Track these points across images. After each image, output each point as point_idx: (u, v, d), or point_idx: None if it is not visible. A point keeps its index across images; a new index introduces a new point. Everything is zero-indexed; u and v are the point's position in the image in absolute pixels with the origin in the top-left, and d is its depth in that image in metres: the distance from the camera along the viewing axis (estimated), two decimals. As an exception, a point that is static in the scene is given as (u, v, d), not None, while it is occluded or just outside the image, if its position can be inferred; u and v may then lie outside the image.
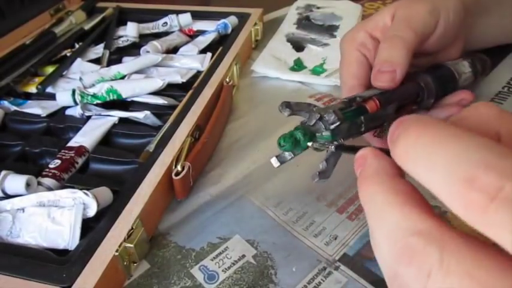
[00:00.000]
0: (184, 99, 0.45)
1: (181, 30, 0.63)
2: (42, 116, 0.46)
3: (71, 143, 0.41)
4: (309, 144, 0.31)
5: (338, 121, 0.30)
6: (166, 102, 0.46)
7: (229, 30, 0.61)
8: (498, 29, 0.47)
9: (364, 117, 0.33)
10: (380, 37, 0.39)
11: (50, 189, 0.36)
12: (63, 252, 0.31)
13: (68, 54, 0.57)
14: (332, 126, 0.30)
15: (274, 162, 0.32)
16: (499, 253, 0.14)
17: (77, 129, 0.43)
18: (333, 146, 0.30)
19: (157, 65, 0.52)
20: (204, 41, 0.59)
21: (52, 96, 0.48)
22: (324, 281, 0.31)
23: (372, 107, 0.34)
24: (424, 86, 0.38)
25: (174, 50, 0.58)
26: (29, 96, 0.51)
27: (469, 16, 0.41)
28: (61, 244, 0.31)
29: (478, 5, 0.43)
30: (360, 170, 0.21)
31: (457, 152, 0.15)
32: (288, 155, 0.32)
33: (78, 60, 0.55)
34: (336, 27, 0.64)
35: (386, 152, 0.21)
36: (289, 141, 0.30)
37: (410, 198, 0.18)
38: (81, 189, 0.33)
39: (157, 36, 0.61)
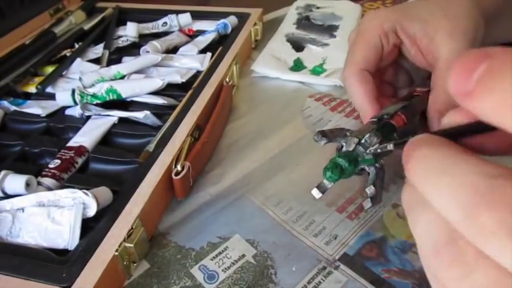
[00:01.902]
0: (184, 99, 0.45)
1: (181, 30, 0.63)
2: (41, 115, 0.46)
3: (70, 143, 0.41)
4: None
5: (378, 142, 0.31)
6: (166, 102, 0.46)
7: (229, 30, 0.61)
8: (505, 31, 0.47)
9: (397, 134, 0.33)
10: (403, 40, 0.39)
11: (49, 189, 0.36)
12: (63, 252, 0.31)
13: (68, 54, 0.57)
14: (373, 149, 0.31)
15: (316, 193, 0.31)
16: None
17: (76, 129, 0.43)
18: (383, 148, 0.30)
19: (157, 65, 0.52)
20: (203, 41, 0.59)
21: (52, 96, 0.48)
22: (324, 280, 0.31)
23: (399, 122, 0.34)
24: None
25: (173, 50, 0.58)
26: (28, 96, 0.51)
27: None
28: (61, 244, 0.31)
29: (493, 11, 0.42)
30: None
31: (457, 186, 0.15)
32: (327, 183, 0.31)
33: (78, 60, 0.55)
34: (335, 27, 0.64)
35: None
36: (336, 172, 0.30)
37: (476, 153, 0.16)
38: (81, 189, 0.33)
39: (157, 36, 0.61)
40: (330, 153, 0.42)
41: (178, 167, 0.37)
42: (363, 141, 0.31)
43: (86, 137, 0.42)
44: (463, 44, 0.36)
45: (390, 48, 0.39)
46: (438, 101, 0.36)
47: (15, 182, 0.35)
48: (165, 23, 0.63)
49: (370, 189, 0.32)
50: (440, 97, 0.36)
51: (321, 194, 0.31)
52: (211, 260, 0.33)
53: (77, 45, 0.59)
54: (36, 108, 0.47)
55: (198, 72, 0.52)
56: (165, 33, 0.62)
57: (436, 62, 0.37)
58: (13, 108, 0.48)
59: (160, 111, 0.45)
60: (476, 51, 0.14)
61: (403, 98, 0.39)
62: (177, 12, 0.63)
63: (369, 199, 0.32)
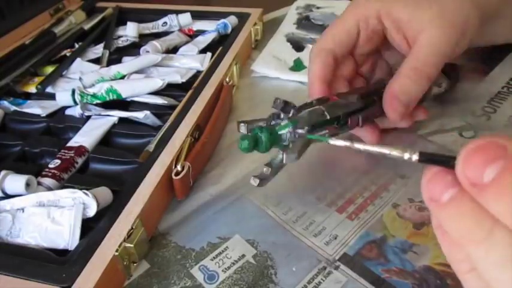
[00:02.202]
0: (184, 99, 0.45)
1: (181, 30, 0.63)
2: (42, 116, 0.46)
3: (70, 143, 0.41)
4: (285, 135, 0.30)
5: (285, 104, 0.30)
6: (166, 102, 0.46)
7: (229, 30, 0.61)
8: (503, 31, 0.46)
9: (325, 106, 0.33)
10: (388, 26, 0.38)
11: (49, 189, 0.36)
12: (63, 252, 0.31)
13: (68, 54, 0.57)
14: (291, 114, 0.30)
15: (253, 181, 0.31)
16: None
17: (76, 129, 0.43)
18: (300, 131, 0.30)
19: (157, 65, 0.52)
20: (203, 40, 0.59)
21: (52, 96, 0.48)
22: (323, 280, 0.31)
23: (332, 98, 0.34)
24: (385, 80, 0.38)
25: (173, 50, 0.58)
26: (28, 96, 0.51)
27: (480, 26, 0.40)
28: (61, 244, 0.31)
29: (491, 10, 0.41)
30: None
31: None
32: (266, 170, 0.31)
33: (78, 60, 0.55)
34: (335, 27, 0.64)
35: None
36: (249, 139, 0.29)
37: None
38: (81, 189, 0.33)
39: (157, 36, 0.61)
40: (330, 153, 0.42)
41: (178, 167, 0.37)
42: (274, 107, 0.31)
43: (86, 137, 0.42)
44: (448, 33, 0.35)
45: (368, 34, 0.38)
46: (394, 84, 0.35)
47: (15, 182, 0.35)
48: (165, 23, 0.63)
49: (265, 168, 0.31)
50: (397, 81, 0.35)
51: (258, 181, 0.31)
52: (212, 260, 0.33)
53: (77, 45, 0.59)
54: (36, 108, 0.47)
55: (198, 72, 0.52)
56: (165, 33, 0.62)
57: (413, 46, 0.36)
58: (13, 108, 0.48)
59: (160, 111, 0.45)
60: (494, 142, 0.15)
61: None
62: (177, 12, 0.63)
63: (258, 179, 0.31)
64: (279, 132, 0.30)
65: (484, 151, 0.15)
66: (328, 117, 0.32)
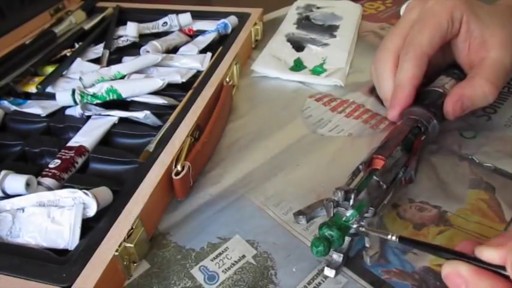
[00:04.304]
0: (184, 99, 0.45)
1: (181, 30, 0.63)
2: (42, 115, 0.46)
3: (70, 143, 0.41)
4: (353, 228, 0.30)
5: (346, 193, 0.30)
6: (166, 102, 0.46)
7: (229, 30, 0.61)
8: None
9: (378, 176, 0.32)
10: (461, 32, 0.39)
11: (49, 189, 0.36)
12: (63, 252, 0.31)
13: (68, 54, 0.57)
14: (351, 202, 0.30)
15: (329, 272, 0.30)
16: None
17: (76, 129, 0.43)
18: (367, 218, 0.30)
19: (157, 65, 0.52)
20: (204, 40, 0.59)
21: (52, 96, 0.48)
22: (323, 281, 0.31)
23: (379, 163, 0.34)
24: (417, 117, 0.38)
25: (174, 49, 0.58)
26: (28, 96, 0.51)
27: None
28: (61, 244, 0.31)
29: None
30: None
31: None
32: (337, 256, 0.30)
33: (78, 60, 0.55)
34: (335, 27, 0.64)
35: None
36: (322, 243, 0.28)
37: None
38: (81, 189, 0.33)
39: (157, 36, 0.61)
40: (330, 153, 0.42)
41: (178, 167, 0.37)
42: (335, 199, 0.30)
43: (86, 137, 0.42)
44: (509, 54, 0.38)
45: (450, 36, 0.39)
46: (466, 89, 0.37)
47: (15, 182, 0.35)
48: (165, 22, 0.63)
49: (367, 241, 0.30)
50: (471, 87, 0.37)
51: (334, 271, 0.30)
52: (212, 260, 0.33)
53: (77, 45, 0.59)
54: (36, 108, 0.47)
55: (198, 72, 0.52)
56: (165, 33, 0.62)
57: (484, 60, 0.38)
58: (13, 108, 0.48)
59: (160, 111, 0.45)
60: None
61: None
62: (177, 12, 0.63)
63: (368, 257, 0.30)
64: (347, 223, 0.30)
65: None
66: (385, 186, 0.32)
